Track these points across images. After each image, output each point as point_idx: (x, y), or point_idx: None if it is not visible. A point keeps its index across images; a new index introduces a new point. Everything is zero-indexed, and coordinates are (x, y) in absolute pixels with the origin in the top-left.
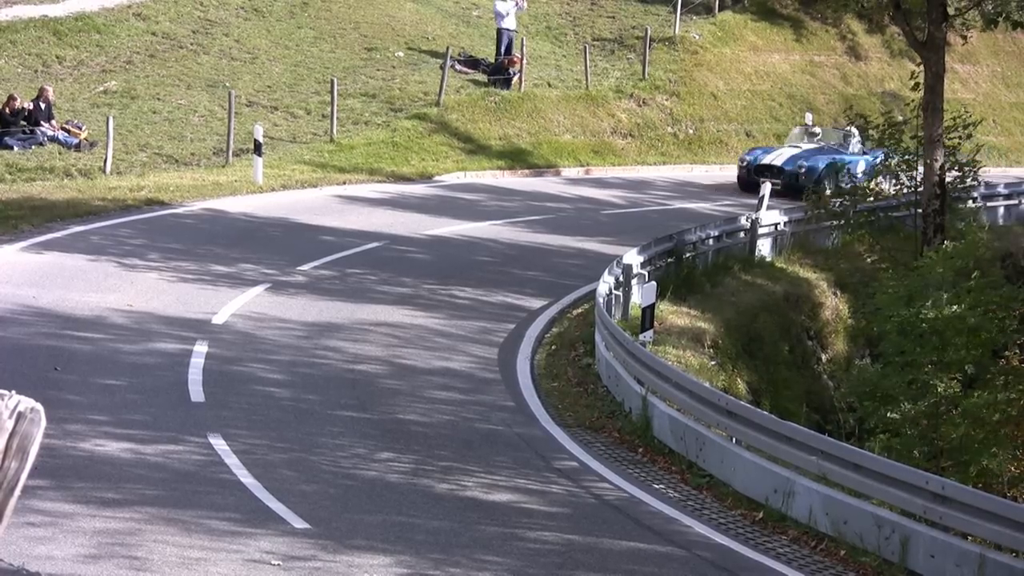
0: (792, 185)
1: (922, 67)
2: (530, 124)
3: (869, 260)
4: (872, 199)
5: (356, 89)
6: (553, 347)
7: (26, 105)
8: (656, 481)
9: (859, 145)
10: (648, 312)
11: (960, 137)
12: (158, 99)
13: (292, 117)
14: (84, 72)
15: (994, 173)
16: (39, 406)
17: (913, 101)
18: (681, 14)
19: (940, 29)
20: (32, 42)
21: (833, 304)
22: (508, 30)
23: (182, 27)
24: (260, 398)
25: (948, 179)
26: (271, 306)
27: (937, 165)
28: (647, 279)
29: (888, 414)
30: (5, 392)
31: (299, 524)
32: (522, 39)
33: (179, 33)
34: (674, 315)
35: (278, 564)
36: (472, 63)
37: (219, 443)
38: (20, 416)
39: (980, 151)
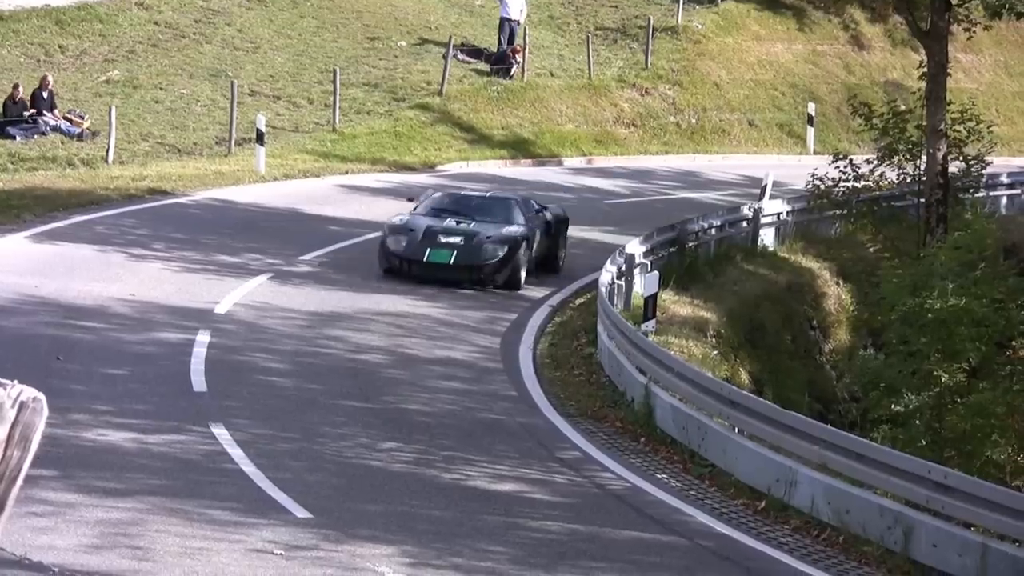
0: None
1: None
2: (533, 114)
3: (872, 250)
4: (875, 189)
5: (358, 79)
6: (556, 337)
7: (22, 96)
8: (658, 471)
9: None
10: (650, 301)
11: (968, 130)
12: (160, 88)
13: (294, 107)
14: (87, 62)
15: (997, 163)
16: (41, 395)
17: (918, 91)
18: (684, 3)
19: (943, 18)
20: (34, 31)
21: (836, 294)
22: (512, 20)
23: (184, 16)
24: (262, 387)
25: (953, 170)
26: (274, 295)
27: (940, 155)
28: (649, 268)
29: (892, 405)
30: (7, 381)
31: (302, 514)
32: (524, 28)
33: (181, 23)
34: (676, 304)
35: (280, 554)
36: (475, 52)
37: (221, 432)
38: (22, 405)
39: (992, 150)
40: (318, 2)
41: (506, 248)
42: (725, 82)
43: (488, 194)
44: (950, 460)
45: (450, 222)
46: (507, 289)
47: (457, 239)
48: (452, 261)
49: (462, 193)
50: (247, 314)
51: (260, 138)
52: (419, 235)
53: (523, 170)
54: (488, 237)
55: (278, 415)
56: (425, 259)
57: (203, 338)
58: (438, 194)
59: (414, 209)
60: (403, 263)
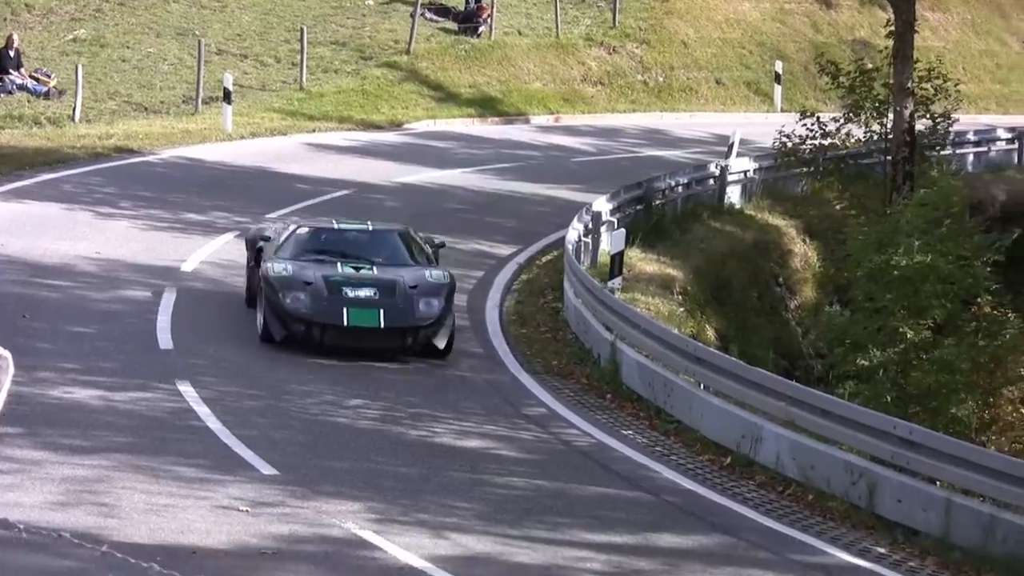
0: None
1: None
2: (500, 72)
3: (838, 207)
4: (842, 147)
5: (326, 37)
6: (522, 294)
7: None
8: (624, 427)
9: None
10: (617, 259)
11: (935, 88)
12: (127, 47)
13: (262, 65)
14: (53, 20)
15: (964, 120)
16: (7, 353)
17: (885, 49)
18: None
19: None
20: None
21: (802, 251)
22: None
23: None
24: (229, 345)
25: (919, 128)
26: (240, 253)
27: (907, 113)
28: (616, 226)
29: (858, 361)
30: None
31: (267, 470)
32: None
33: None
34: (643, 262)
35: (246, 510)
36: (442, 11)
37: (188, 390)
38: None
39: (958, 107)
40: None
41: (442, 301)
42: (692, 40)
43: (369, 226)
44: (915, 416)
45: (347, 269)
46: (441, 358)
47: (369, 292)
48: (382, 324)
49: (336, 227)
50: (214, 272)
51: (227, 97)
52: (323, 289)
53: (490, 128)
54: (413, 287)
55: (244, 372)
56: (346, 323)
57: (169, 296)
58: (302, 230)
59: (276, 253)
60: (311, 329)
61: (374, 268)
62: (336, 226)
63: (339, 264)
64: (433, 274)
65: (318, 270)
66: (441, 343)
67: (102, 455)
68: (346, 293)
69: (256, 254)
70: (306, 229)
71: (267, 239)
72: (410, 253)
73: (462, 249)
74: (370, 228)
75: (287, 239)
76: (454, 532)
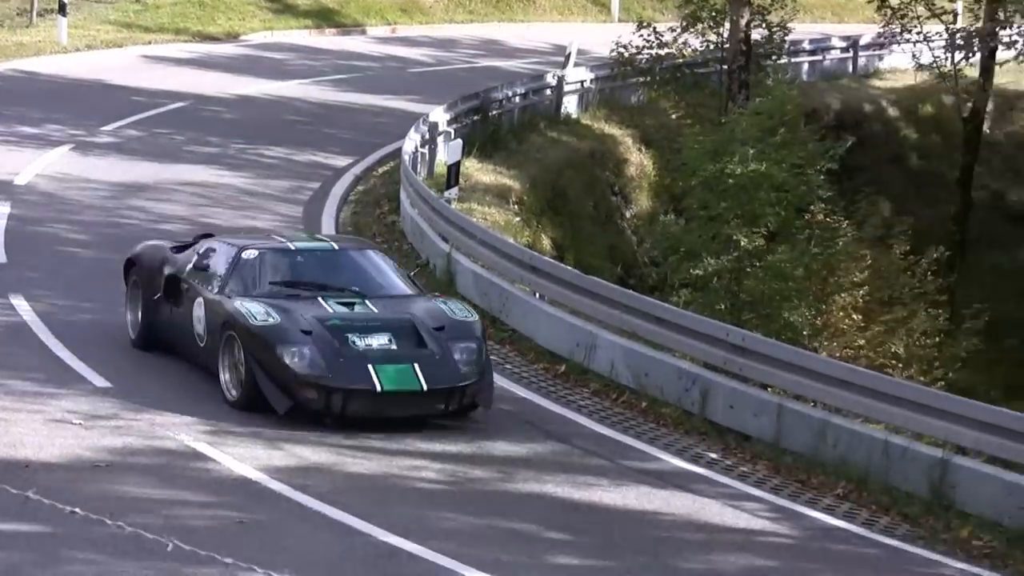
0: None
1: None
2: None
3: (674, 116)
4: (678, 56)
5: None
6: (359, 205)
7: None
8: None
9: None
10: (453, 169)
11: None
12: None
13: None
14: None
15: (799, 29)
16: None
17: None
18: None
19: None
20: None
21: (638, 160)
22: None
23: None
24: (63, 258)
25: (756, 37)
26: (75, 166)
27: (743, 22)
28: (453, 137)
29: (692, 269)
30: None
31: (101, 383)
32: None
33: None
34: (480, 172)
35: (80, 423)
36: None
37: (21, 303)
38: None
39: (795, 17)
40: None
41: (481, 345)
42: None
43: (332, 244)
44: (748, 323)
45: (337, 306)
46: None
47: (383, 339)
48: (424, 385)
49: (293, 247)
50: (48, 185)
51: (62, 9)
52: (330, 339)
53: (327, 40)
54: (439, 329)
55: (79, 286)
56: (379, 388)
57: (3, 209)
58: (248, 254)
59: (223, 288)
60: (331, 397)
61: (368, 302)
62: (293, 246)
63: (322, 300)
64: (454, 308)
65: (303, 310)
66: (486, 403)
67: None
68: (354, 343)
69: (168, 284)
70: (253, 253)
71: (204, 268)
72: (393, 277)
73: (299, 160)
74: (335, 247)
75: (230, 268)
76: (289, 443)
